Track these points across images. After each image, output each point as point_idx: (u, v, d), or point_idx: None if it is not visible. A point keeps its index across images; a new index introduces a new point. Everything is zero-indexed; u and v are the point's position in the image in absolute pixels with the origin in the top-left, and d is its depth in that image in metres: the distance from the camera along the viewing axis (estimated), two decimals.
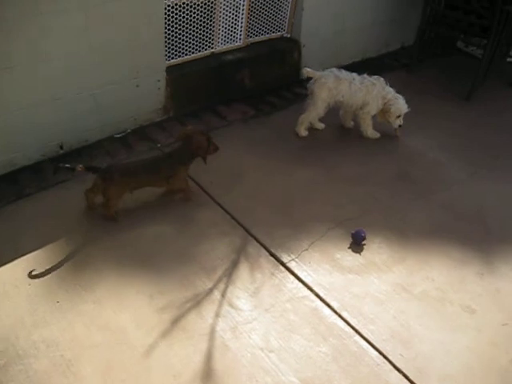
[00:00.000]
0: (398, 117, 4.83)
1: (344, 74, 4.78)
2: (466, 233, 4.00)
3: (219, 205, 4.10)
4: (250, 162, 4.54)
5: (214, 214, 4.02)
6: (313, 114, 4.83)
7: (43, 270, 3.45)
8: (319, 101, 4.75)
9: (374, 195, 4.29)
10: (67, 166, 3.77)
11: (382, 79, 4.80)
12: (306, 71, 4.76)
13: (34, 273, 3.44)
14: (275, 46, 5.62)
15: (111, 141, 4.76)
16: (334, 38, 5.94)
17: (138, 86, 4.77)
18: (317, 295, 3.45)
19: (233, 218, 3.99)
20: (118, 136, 4.83)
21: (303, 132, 4.92)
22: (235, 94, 5.44)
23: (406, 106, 4.83)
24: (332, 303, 3.40)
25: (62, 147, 4.54)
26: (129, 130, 4.91)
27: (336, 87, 4.71)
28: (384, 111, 4.82)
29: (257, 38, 5.54)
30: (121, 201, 3.90)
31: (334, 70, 4.81)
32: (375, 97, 4.75)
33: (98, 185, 3.78)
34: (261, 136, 4.90)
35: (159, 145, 4.74)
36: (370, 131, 4.95)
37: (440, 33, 6.04)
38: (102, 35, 4.28)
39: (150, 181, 3.98)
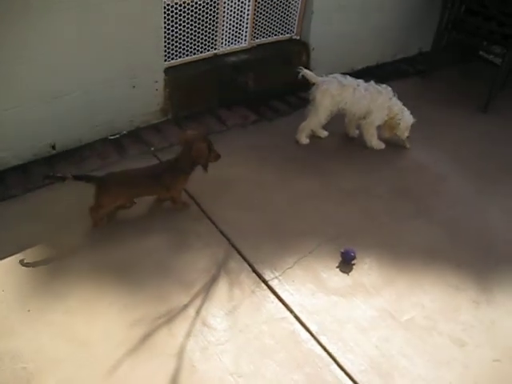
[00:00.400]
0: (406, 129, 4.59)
1: (348, 79, 4.55)
2: (465, 256, 3.76)
3: (206, 215, 3.94)
4: (244, 171, 4.36)
5: (199, 223, 3.86)
6: (314, 122, 4.62)
7: (18, 276, 3.35)
8: (321, 108, 4.53)
9: (370, 211, 4.07)
10: (58, 175, 3.59)
11: (389, 89, 4.56)
12: (303, 72, 4.53)
13: (8, 278, 3.32)
14: (282, 48, 5.42)
15: (105, 142, 4.64)
16: (347, 41, 5.71)
17: (134, 86, 4.63)
18: (296, 317, 3.26)
19: (218, 229, 3.82)
20: (113, 138, 4.69)
21: (304, 140, 4.72)
22: (238, 97, 5.27)
23: (411, 117, 4.58)
24: (311, 327, 3.21)
25: (54, 147, 4.43)
26: (124, 132, 4.77)
27: (340, 94, 4.49)
28: (391, 126, 4.58)
29: (263, 40, 5.35)
30: (111, 209, 3.79)
31: (338, 75, 4.59)
32: (380, 106, 4.51)
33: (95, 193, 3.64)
34: (259, 143, 4.72)
35: (152, 148, 4.58)
36: (374, 141, 4.72)
37: (459, 39, 5.72)
38: (96, 34, 4.15)
39: (150, 191, 3.85)
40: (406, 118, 4.55)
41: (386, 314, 3.31)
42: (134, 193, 3.84)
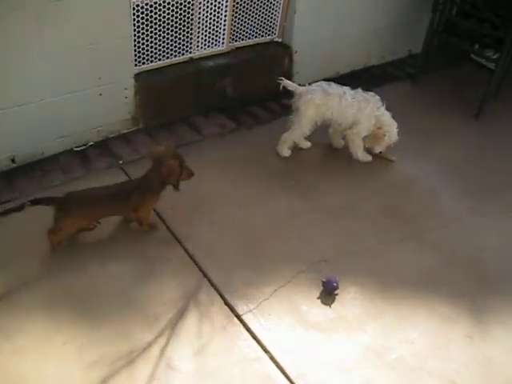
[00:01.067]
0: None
1: (334, 87, 4.22)
2: (459, 283, 3.45)
3: (176, 238, 3.60)
4: (219, 186, 4.02)
5: (168, 248, 3.52)
6: (297, 133, 4.29)
7: None
8: (305, 119, 4.20)
9: (356, 232, 3.75)
10: (13, 208, 3.24)
11: (377, 97, 4.23)
12: (284, 83, 4.22)
13: None
14: (263, 51, 5.08)
15: (69, 155, 4.29)
16: (332, 44, 5.38)
17: (101, 94, 4.28)
18: (271, 358, 2.94)
19: (189, 254, 3.50)
20: (78, 149, 4.33)
21: (285, 152, 4.38)
22: (215, 104, 4.93)
23: (396, 135, 4.28)
24: (288, 369, 2.89)
25: (13, 160, 4.09)
26: (91, 143, 4.43)
27: (325, 103, 4.17)
28: (376, 137, 4.24)
29: (243, 42, 5.01)
30: (72, 232, 3.46)
31: (323, 83, 4.27)
32: (367, 116, 4.18)
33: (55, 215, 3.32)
34: (237, 154, 4.37)
35: (121, 161, 4.22)
36: (360, 154, 4.39)
37: (450, 42, 5.39)
38: (56, 37, 3.80)
39: (115, 211, 3.55)
40: (393, 134, 4.21)
41: (370, 353, 2.99)
42: (98, 214, 3.52)
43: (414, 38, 5.94)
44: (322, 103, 4.17)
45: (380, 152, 4.39)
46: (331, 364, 2.93)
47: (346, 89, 4.26)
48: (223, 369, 2.87)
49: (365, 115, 4.22)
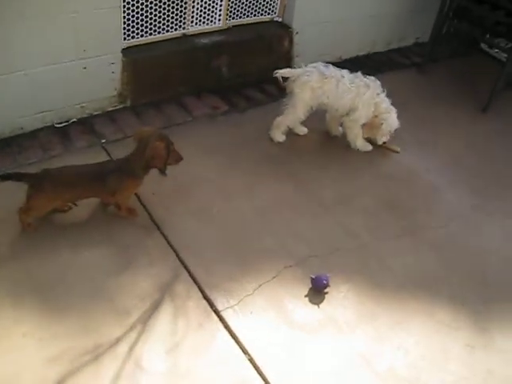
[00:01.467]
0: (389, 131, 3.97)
1: (331, 70, 3.94)
2: (459, 286, 3.19)
3: (156, 225, 3.32)
4: (205, 172, 3.73)
5: (146, 235, 3.25)
6: (291, 118, 4.01)
7: None
8: (300, 103, 3.91)
9: (350, 227, 3.46)
10: None
11: (378, 82, 3.93)
12: (279, 74, 3.97)
13: None
14: (262, 30, 4.79)
15: (50, 131, 4.01)
16: (336, 26, 5.07)
17: (85, 67, 4.00)
18: (250, 360, 2.67)
19: (168, 243, 3.21)
20: (59, 126, 4.05)
21: (279, 137, 4.10)
22: (208, 84, 4.64)
23: (397, 121, 3.97)
24: (268, 374, 2.63)
25: None
26: (74, 120, 4.14)
27: (321, 87, 3.87)
28: (373, 126, 3.95)
29: (240, 20, 4.71)
30: (45, 212, 3.20)
31: (320, 64, 3.97)
32: (366, 102, 3.89)
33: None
34: (227, 138, 4.09)
35: (103, 141, 3.94)
36: (359, 142, 4.10)
37: (460, 29, 5.08)
38: (39, 4, 3.51)
39: (92, 193, 3.25)
40: (391, 121, 3.93)
41: (360, 360, 2.72)
42: (73, 195, 3.23)
43: (423, 26, 5.63)
44: (317, 86, 3.89)
45: (384, 143, 4.08)
46: (316, 370, 2.67)
47: (345, 72, 3.97)
48: (196, 370, 2.61)
49: (363, 101, 3.93)
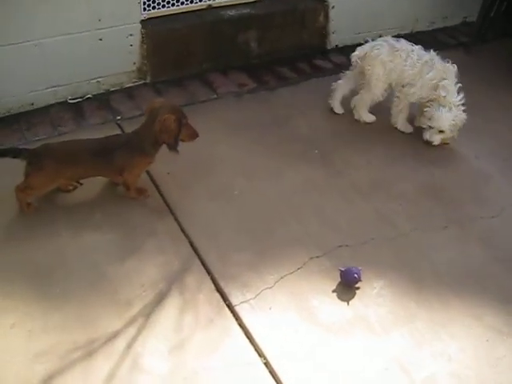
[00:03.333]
0: (440, 132, 3.57)
1: (402, 43, 3.63)
2: None
3: (169, 208, 2.98)
4: (228, 151, 3.38)
5: (158, 219, 2.92)
6: (367, 98, 3.70)
7: None
8: (373, 80, 3.63)
9: (387, 215, 3.05)
10: None
11: (452, 69, 3.57)
12: (356, 56, 3.67)
13: None
14: (295, 3, 4.40)
15: (62, 107, 3.74)
16: (375, 2, 4.64)
17: (101, 39, 3.72)
18: (266, 364, 2.29)
19: (181, 228, 2.87)
20: (73, 101, 3.75)
21: (367, 117, 3.81)
22: (235, 60, 4.29)
23: (449, 121, 3.53)
24: (286, 381, 2.23)
25: None
26: (89, 95, 3.85)
27: (392, 60, 3.57)
28: (420, 111, 3.64)
29: None
30: (45, 191, 2.93)
31: (390, 38, 3.67)
32: (426, 82, 3.51)
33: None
34: (254, 116, 3.74)
35: (119, 117, 3.63)
36: (400, 119, 3.71)
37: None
38: None
39: (96, 171, 2.95)
40: (438, 116, 3.48)
41: (395, 367, 2.32)
42: (76, 172, 2.93)
43: (471, 4, 5.12)
44: (388, 60, 3.57)
45: (446, 143, 3.69)
46: (342, 378, 2.26)
47: (417, 47, 3.63)
48: (202, 373, 2.27)
49: (423, 80, 3.57)
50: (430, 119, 3.53)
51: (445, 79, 3.52)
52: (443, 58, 3.68)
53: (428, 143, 3.60)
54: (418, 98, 3.64)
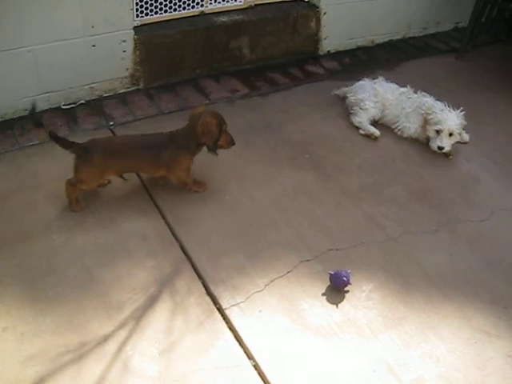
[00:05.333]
0: (450, 135, 3.64)
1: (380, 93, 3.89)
2: (502, 289, 2.77)
3: (159, 211, 3.00)
4: (219, 157, 3.35)
5: (148, 222, 2.95)
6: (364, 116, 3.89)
7: None
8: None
9: (377, 218, 3.08)
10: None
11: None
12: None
13: None
14: (287, 10, 4.44)
15: (56, 113, 3.74)
16: (367, 8, 4.68)
17: (94, 45, 3.73)
18: (256, 367, 2.30)
19: (172, 231, 2.88)
20: (66, 107, 3.77)
21: (371, 130, 3.87)
22: (228, 66, 4.33)
23: (455, 121, 3.61)
24: (275, 383, 2.21)
25: None
26: (82, 101, 3.85)
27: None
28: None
29: None
30: (94, 186, 3.03)
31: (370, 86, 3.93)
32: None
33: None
34: (246, 122, 3.78)
35: (112, 123, 3.64)
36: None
37: (504, 10, 4.63)
38: None
39: (141, 165, 3.07)
40: (450, 117, 3.59)
41: (383, 369, 2.34)
42: (123, 167, 3.02)
43: (463, 10, 5.17)
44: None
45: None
46: (331, 381, 2.28)
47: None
48: (192, 375, 2.28)
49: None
50: (436, 123, 3.54)
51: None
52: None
53: (437, 152, 3.64)
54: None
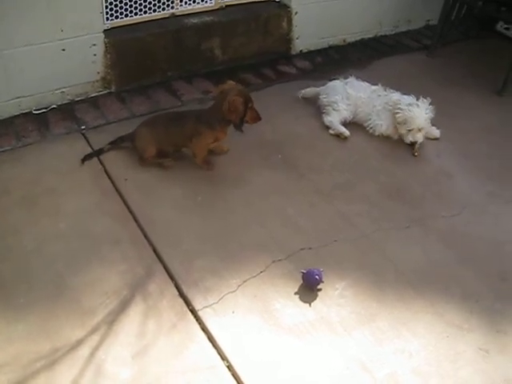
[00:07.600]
0: (420, 129, 3.69)
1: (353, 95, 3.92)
2: (473, 283, 2.79)
3: (131, 213, 3.00)
4: (190, 158, 3.38)
5: (120, 224, 2.95)
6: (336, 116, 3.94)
7: None
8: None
9: (349, 216, 3.10)
10: (91, 153, 3.40)
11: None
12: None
13: None
14: (258, 10, 4.45)
15: (27, 118, 3.71)
16: (339, 7, 4.70)
17: (64, 49, 3.70)
18: (229, 368, 2.30)
19: (144, 234, 2.86)
20: (37, 112, 3.74)
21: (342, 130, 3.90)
22: (200, 68, 4.32)
23: (423, 118, 3.66)
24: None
25: None
26: (54, 106, 3.83)
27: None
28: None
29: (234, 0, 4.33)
30: (155, 159, 3.35)
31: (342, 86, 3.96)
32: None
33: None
34: None
35: (83, 127, 3.63)
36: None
37: (473, 8, 4.69)
38: None
39: (176, 137, 3.34)
40: (417, 115, 3.64)
41: (356, 366, 2.35)
42: (166, 137, 3.34)
43: (434, 8, 5.21)
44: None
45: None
46: (304, 379, 2.29)
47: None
48: (166, 378, 2.28)
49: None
50: (405, 123, 3.57)
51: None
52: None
53: (412, 144, 3.70)
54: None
